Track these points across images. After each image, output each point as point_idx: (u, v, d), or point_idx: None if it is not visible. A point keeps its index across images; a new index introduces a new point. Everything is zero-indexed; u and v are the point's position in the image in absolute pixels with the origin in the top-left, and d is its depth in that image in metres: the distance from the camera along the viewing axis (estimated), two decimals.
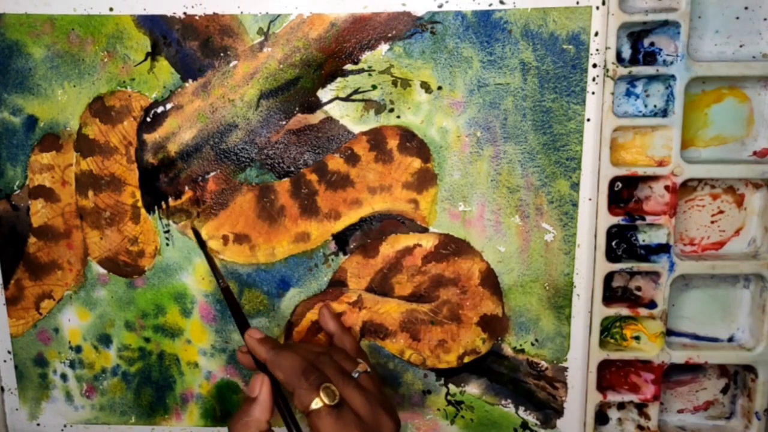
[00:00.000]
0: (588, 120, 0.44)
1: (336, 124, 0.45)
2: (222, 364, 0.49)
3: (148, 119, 0.46)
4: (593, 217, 0.45)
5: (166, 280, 0.48)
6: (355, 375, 0.40)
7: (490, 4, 0.43)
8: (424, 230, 0.46)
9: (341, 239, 0.47)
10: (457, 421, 0.49)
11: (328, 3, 0.43)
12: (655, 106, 0.45)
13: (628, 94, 0.45)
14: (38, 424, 0.51)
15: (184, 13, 0.44)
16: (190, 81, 0.45)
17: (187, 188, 0.47)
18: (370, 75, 0.44)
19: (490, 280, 0.47)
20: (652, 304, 0.46)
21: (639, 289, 0.47)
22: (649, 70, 0.43)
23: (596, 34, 0.42)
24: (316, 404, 0.36)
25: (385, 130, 0.45)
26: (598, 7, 0.42)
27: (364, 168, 0.46)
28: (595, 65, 0.43)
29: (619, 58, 0.44)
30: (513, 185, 0.45)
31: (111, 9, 0.44)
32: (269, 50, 0.44)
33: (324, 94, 0.45)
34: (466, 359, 0.48)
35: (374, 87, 0.44)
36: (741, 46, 0.44)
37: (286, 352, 0.39)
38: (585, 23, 0.42)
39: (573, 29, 0.43)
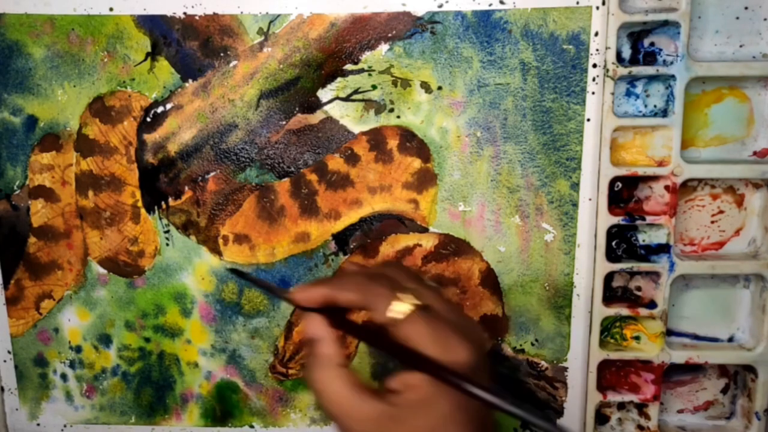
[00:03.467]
0: (588, 120, 0.44)
1: (336, 124, 0.45)
2: (222, 364, 0.49)
3: (148, 119, 0.46)
4: (593, 217, 0.45)
5: (166, 280, 0.48)
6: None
7: (490, 4, 0.43)
8: (424, 230, 0.46)
9: (341, 239, 0.47)
10: None
11: (328, 3, 0.43)
12: (655, 106, 0.45)
13: (628, 94, 0.45)
14: (38, 424, 0.51)
15: (184, 13, 0.44)
16: (190, 81, 0.45)
17: (187, 188, 0.47)
18: (370, 75, 0.44)
19: (490, 280, 0.47)
20: (652, 304, 0.46)
21: (639, 289, 0.47)
22: (649, 70, 0.43)
23: (596, 34, 0.42)
24: (400, 308, 0.31)
25: (385, 130, 0.45)
26: (598, 7, 0.42)
27: (364, 168, 0.46)
28: (595, 65, 0.43)
29: (619, 58, 0.44)
30: (513, 185, 0.45)
31: (111, 9, 0.44)
32: (269, 50, 0.44)
33: (324, 94, 0.45)
34: None
35: (374, 87, 0.44)
36: (741, 46, 0.44)
37: (342, 276, 0.35)
38: (585, 23, 0.42)
39: (573, 29, 0.43)
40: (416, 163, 0.45)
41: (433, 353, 0.30)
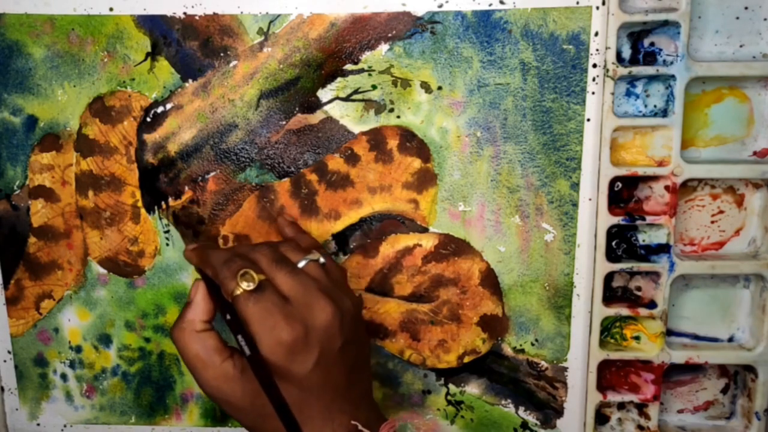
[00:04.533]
0: (588, 120, 0.44)
1: (336, 124, 0.45)
2: None
3: (148, 119, 0.46)
4: (593, 217, 0.45)
5: (166, 280, 0.48)
6: (302, 263, 0.38)
7: (490, 4, 0.43)
8: (424, 230, 0.46)
9: (341, 239, 0.47)
10: (457, 421, 0.49)
11: (328, 3, 0.43)
12: (655, 106, 0.45)
13: (628, 94, 0.45)
14: (38, 424, 0.51)
15: (184, 13, 0.44)
16: (190, 81, 0.45)
17: (187, 188, 0.47)
18: (370, 75, 0.44)
19: (490, 280, 0.47)
20: (652, 304, 0.46)
21: (639, 289, 0.47)
22: (649, 70, 0.43)
23: (596, 34, 0.42)
24: (237, 291, 0.35)
25: (385, 130, 0.45)
26: (598, 7, 0.42)
27: (364, 168, 0.46)
28: (595, 65, 0.43)
29: (619, 58, 0.44)
30: (513, 185, 0.45)
31: (111, 9, 0.44)
32: (269, 50, 0.44)
33: (324, 94, 0.45)
34: (466, 359, 0.48)
35: (374, 87, 0.44)
36: (741, 46, 0.44)
37: (214, 249, 0.39)
38: (585, 23, 0.42)
39: (573, 29, 0.43)
40: (416, 163, 0.45)
41: (258, 333, 0.35)
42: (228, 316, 0.37)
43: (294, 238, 0.44)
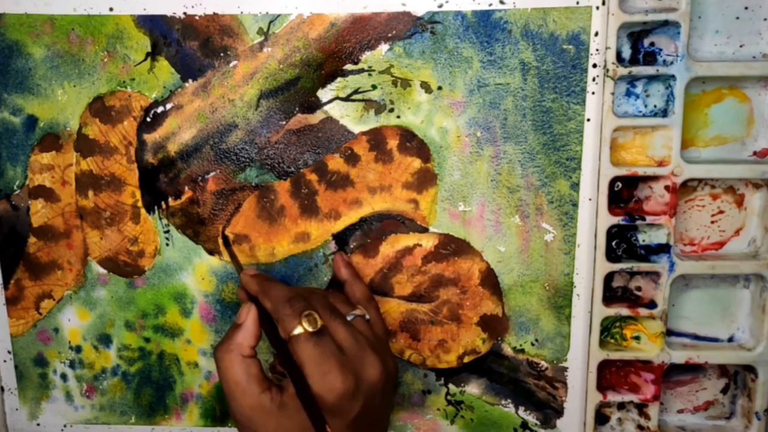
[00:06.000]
0: (588, 120, 0.44)
1: (336, 124, 0.45)
2: None
3: (148, 119, 0.46)
4: (593, 217, 0.45)
5: (166, 280, 0.48)
6: (350, 317, 0.39)
7: (490, 4, 0.43)
8: (424, 230, 0.46)
9: (341, 239, 0.47)
10: (457, 421, 0.49)
11: (328, 3, 0.43)
12: (655, 106, 0.45)
13: (628, 94, 0.45)
14: (38, 424, 0.51)
15: (184, 13, 0.44)
16: (190, 81, 0.45)
17: (187, 188, 0.47)
18: (370, 75, 0.44)
19: (490, 280, 0.47)
20: (652, 304, 0.46)
21: (639, 289, 0.47)
22: (649, 70, 0.43)
23: (596, 34, 0.42)
24: (297, 330, 0.36)
25: (385, 130, 0.45)
26: (598, 7, 0.42)
27: (364, 168, 0.46)
28: (595, 65, 0.43)
29: (619, 58, 0.44)
30: (513, 185, 0.45)
31: (111, 9, 0.44)
32: (269, 50, 0.44)
33: (324, 94, 0.45)
34: (466, 359, 0.48)
35: (374, 87, 0.44)
36: (741, 46, 0.44)
37: (276, 283, 0.40)
38: (585, 23, 0.42)
39: (573, 29, 0.43)
40: (416, 163, 0.45)
41: (311, 375, 0.35)
42: (276, 351, 0.37)
43: (348, 286, 0.44)
